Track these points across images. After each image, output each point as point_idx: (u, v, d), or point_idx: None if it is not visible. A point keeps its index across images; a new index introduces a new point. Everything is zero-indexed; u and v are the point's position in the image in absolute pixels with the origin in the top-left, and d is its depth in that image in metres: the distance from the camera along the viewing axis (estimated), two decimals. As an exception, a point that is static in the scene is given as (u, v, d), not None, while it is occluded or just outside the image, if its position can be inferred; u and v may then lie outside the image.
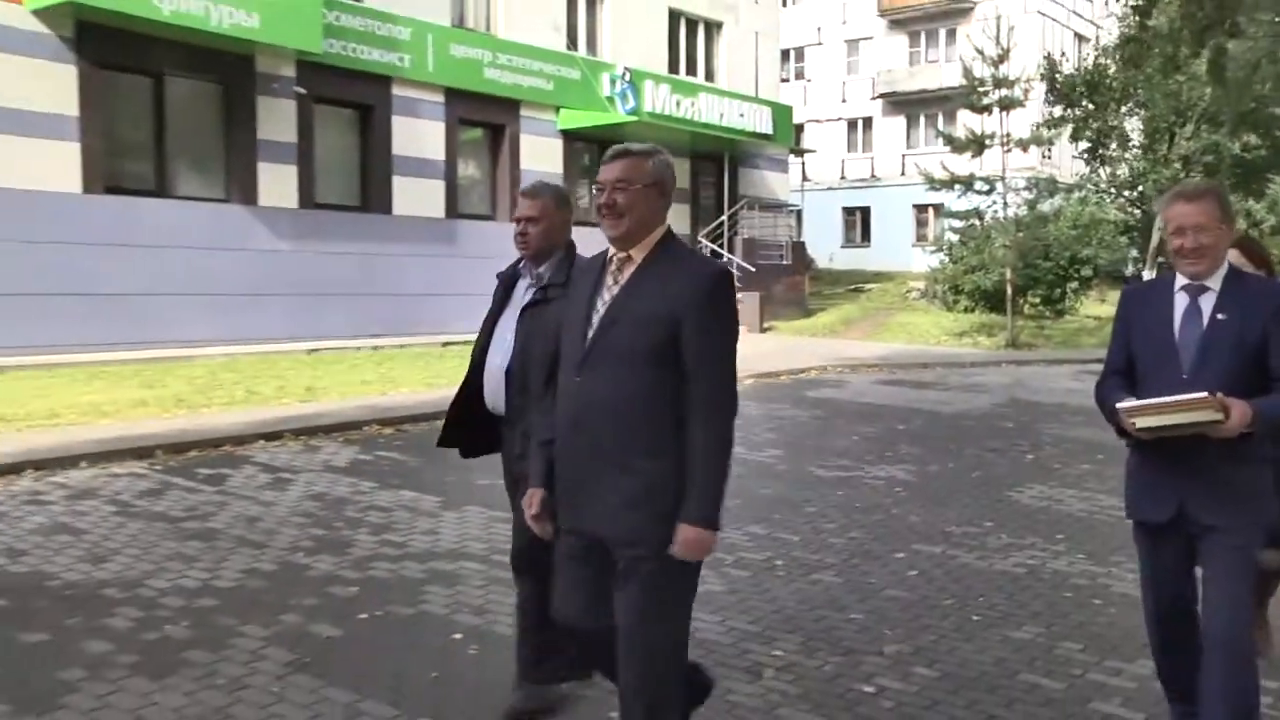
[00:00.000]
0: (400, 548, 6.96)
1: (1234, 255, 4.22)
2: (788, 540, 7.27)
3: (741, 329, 16.65)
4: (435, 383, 14.30)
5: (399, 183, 21.18)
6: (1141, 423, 3.64)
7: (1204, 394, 3.51)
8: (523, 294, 4.56)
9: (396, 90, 21.16)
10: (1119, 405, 3.70)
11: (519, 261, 4.76)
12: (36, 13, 15.98)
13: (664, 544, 3.33)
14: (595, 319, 3.51)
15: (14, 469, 8.88)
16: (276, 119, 19.22)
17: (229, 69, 18.48)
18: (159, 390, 12.97)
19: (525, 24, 23.57)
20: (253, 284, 18.36)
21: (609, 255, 3.58)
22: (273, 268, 18.64)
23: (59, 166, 16.30)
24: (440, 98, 21.94)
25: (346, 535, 7.23)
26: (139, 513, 7.76)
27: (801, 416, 13.11)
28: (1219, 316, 3.76)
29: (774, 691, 4.73)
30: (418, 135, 21.47)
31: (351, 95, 20.51)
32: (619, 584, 3.45)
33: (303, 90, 19.51)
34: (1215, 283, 3.78)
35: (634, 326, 3.40)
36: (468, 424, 4.79)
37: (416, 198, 21.49)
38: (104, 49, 16.78)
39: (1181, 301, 3.82)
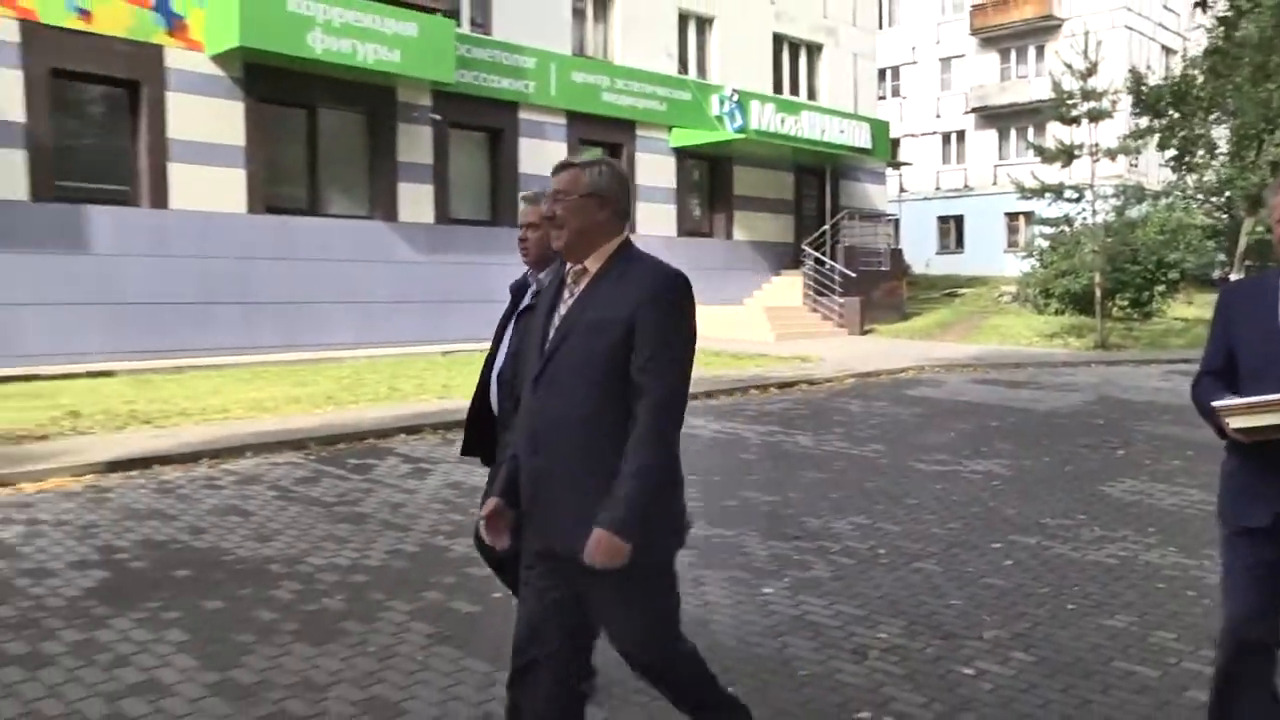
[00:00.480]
0: None
1: None
2: (890, 530, 7.21)
3: (842, 331, 16.61)
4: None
5: (524, 199, 21.54)
6: (1237, 423, 3.22)
7: None
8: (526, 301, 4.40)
9: (523, 114, 21.55)
10: (1215, 404, 3.28)
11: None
12: (214, 58, 16.73)
13: (633, 566, 3.03)
14: (551, 332, 3.26)
15: (193, 457, 9.31)
16: (415, 143, 19.72)
17: (373, 100, 19.01)
18: (311, 388, 13.38)
19: (640, 50, 23.81)
20: (393, 292, 18.86)
21: (568, 269, 3.33)
22: (411, 277, 19.11)
23: (229, 190, 16.97)
24: (562, 120, 22.28)
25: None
26: (297, 498, 8.06)
27: (901, 414, 12.97)
28: None
29: (879, 672, 4.68)
30: (542, 155, 21.82)
31: (482, 120, 20.93)
32: (588, 597, 3.21)
33: (438, 117, 19.98)
34: None
35: (585, 336, 3.13)
36: (483, 432, 4.70)
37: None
38: (266, 86, 17.41)
39: None
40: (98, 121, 16.36)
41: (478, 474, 8.92)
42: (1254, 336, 3.38)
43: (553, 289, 3.37)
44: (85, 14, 15.59)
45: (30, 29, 15.17)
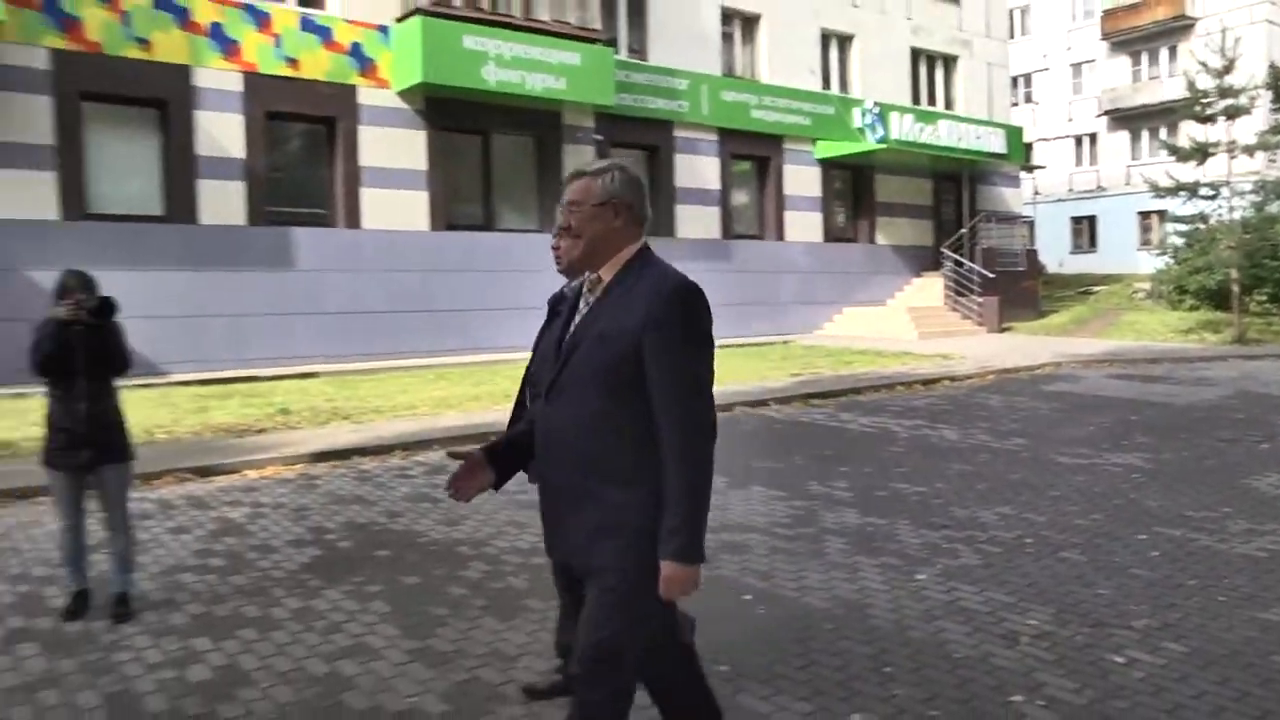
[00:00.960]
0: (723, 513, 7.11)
1: None
2: (1035, 520, 7.06)
3: (981, 329, 16.14)
4: (718, 380, 14.59)
5: (681, 210, 21.72)
6: None
7: None
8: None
9: (677, 133, 21.71)
10: None
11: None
12: (400, 93, 17.41)
13: (632, 573, 2.84)
14: (565, 343, 3.03)
15: (387, 449, 9.70)
16: (579, 162, 19.93)
17: (541, 124, 19.41)
18: (489, 387, 13.74)
19: (785, 69, 23.73)
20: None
21: (585, 278, 3.07)
22: (577, 285, 19.44)
23: (413, 210, 17.59)
24: (714, 137, 22.37)
25: None
26: (483, 487, 8.39)
27: (1041, 408, 12.66)
28: None
29: (1030, 657, 4.59)
30: (696, 169, 21.98)
31: (640, 139, 21.15)
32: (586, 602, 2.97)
33: (600, 137, 20.28)
34: None
35: (594, 348, 2.89)
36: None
37: (696, 222, 21.98)
38: (445, 116, 17.96)
39: None
40: (300, 154, 17.14)
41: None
42: None
43: (573, 299, 3.13)
44: (293, 62, 16.43)
45: (251, 79, 16.08)
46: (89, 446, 5.31)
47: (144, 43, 15.24)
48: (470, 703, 4.28)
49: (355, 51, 17.03)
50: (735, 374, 15.49)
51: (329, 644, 4.90)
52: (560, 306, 3.60)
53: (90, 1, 14.84)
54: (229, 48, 15.89)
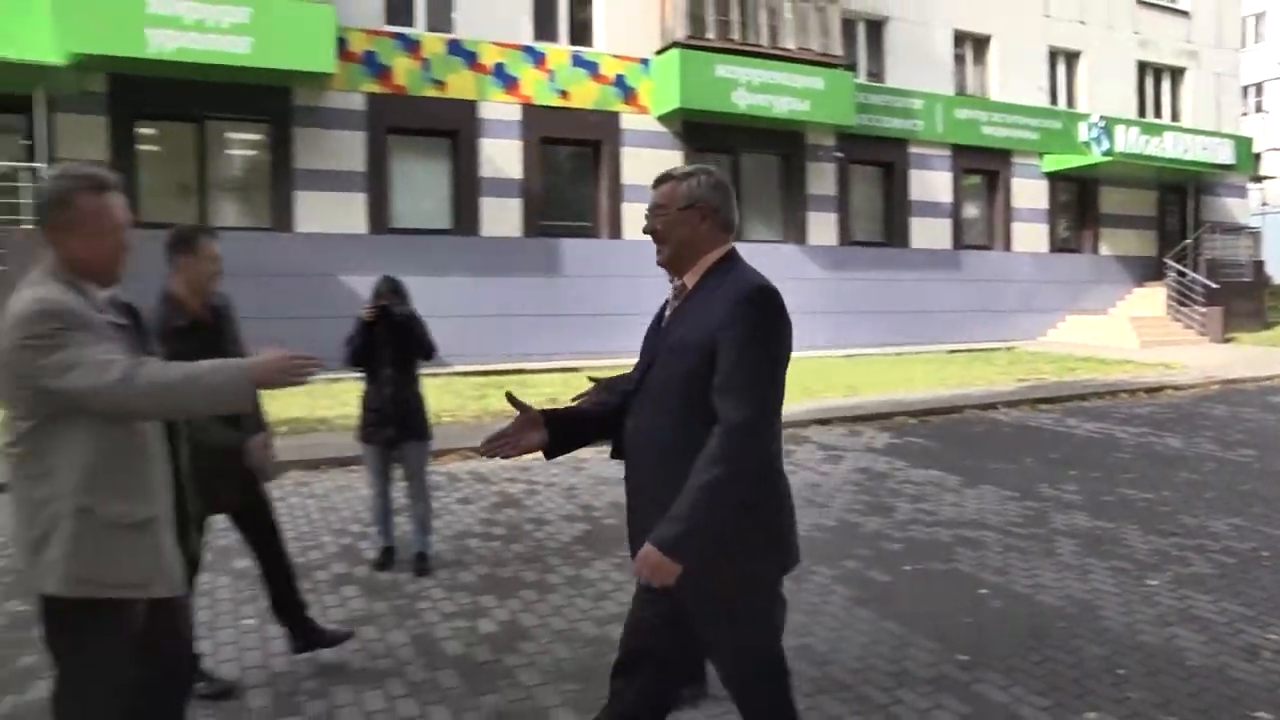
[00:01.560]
0: (932, 515, 6.87)
1: None
2: (1270, 533, 6.39)
3: (1204, 339, 14.79)
4: (946, 382, 14.21)
5: (915, 223, 21.12)
6: None
7: None
8: None
9: (912, 149, 21.11)
10: None
11: None
12: (659, 118, 17.67)
13: (711, 589, 2.57)
14: (646, 351, 2.80)
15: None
16: (820, 178, 19.82)
17: (785, 144, 19.29)
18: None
19: (1014, 86, 22.66)
20: (803, 304, 18.88)
21: (674, 284, 2.79)
22: (817, 292, 19.22)
23: (668, 223, 17.85)
24: (947, 153, 21.62)
25: (889, 502, 7.26)
26: (733, 476, 8.38)
27: (1269, 419, 11.58)
28: None
29: (1273, 673, 4.16)
30: (929, 184, 21.32)
31: (877, 156, 20.68)
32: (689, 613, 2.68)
33: (840, 155, 19.98)
34: None
35: (669, 359, 2.64)
36: None
37: (928, 234, 21.32)
38: (699, 138, 18.10)
39: None
40: (569, 174, 17.64)
41: (882, 460, 8.93)
42: None
43: (662, 309, 2.85)
44: (565, 94, 16.98)
45: (528, 110, 16.72)
46: (394, 425, 5.67)
47: (439, 83, 16.10)
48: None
49: (619, 82, 17.43)
50: (962, 378, 14.94)
51: (599, 609, 5.00)
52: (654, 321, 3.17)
53: (398, 53, 15.82)
54: (510, 84, 16.57)
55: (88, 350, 2.39)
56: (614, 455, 3.40)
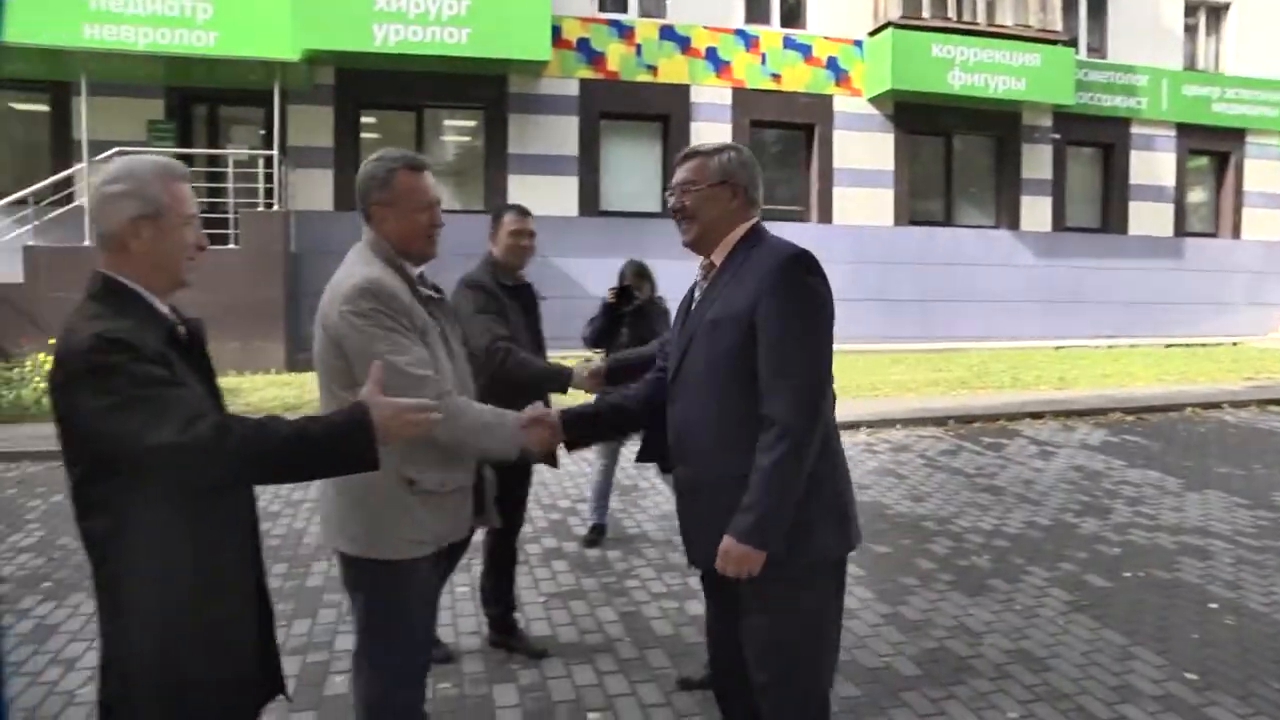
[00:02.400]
0: (1152, 520, 6.52)
1: None
2: None
3: None
4: (1164, 379, 13.35)
5: (1134, 207, 19.82)
6: None
7: None
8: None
9: (1134, 129, 19.78)
10: None
11: None
12: (871, 100, 17.25)
13: (778, 573, 2.45)
14: (680, 335, 2.71)
15: (853, 426, 9.63)
16: (1036, 160, 18.90)
17: (1000, 124, 18.48)
18: (945, 374, 13.36)
19: (1252, 59, 20.87)
20: (1013, 292, 18.26)
21: (701, 263, 2.73)
22: (1029, 280, 18.39)
23: (879, 207, 17.41)
24: (1172, 132, 20.16)
25: (1105, 503, 6.94)
26: (941, 466, 8.13)
27: None
28: None
29: None
30: (1151, 166, 19.96)
31: (1095, 136, 19.50)
32: (741, 608, 2.60)
33: (1057, 136, 18.97)
34: None
35: (708, 339, 2.54)
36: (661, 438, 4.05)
37: (1149, 219, 19.97)
38: (912, 120, 17.59)
39: None
40: (780, 157, 17.49)
41: (1099, 459, 8.48)
42: None
43: (689, 291, 2.80)
44: (777, 77, 16.82)
45: (739, 93, 16.67)
46: None
47: (652, 69, 16.25)
48: (940, 670, 4.16)
49: (831, 64, 17.12)
50: (1183, 374, 13.97)
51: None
52: (683, 303, 2.97)
53: (612, 39, 16.06)
54: (721, 68, 16.55)
55: (406, 348, 2.57)
56: (641, 458, 3.49)
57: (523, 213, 4.34)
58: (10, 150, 14.77)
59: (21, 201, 12.51)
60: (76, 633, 4.55)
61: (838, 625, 2.72)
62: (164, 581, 1.92)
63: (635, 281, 5.66)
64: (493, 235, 4.33)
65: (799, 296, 2.46)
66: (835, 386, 2.59)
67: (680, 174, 2.70)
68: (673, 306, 3.21)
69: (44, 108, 14.45)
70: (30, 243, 12.20)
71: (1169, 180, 20.17)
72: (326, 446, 1.94)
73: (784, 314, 2.44)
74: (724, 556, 2.44)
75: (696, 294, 2.72)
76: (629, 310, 5.55)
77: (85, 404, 1.83)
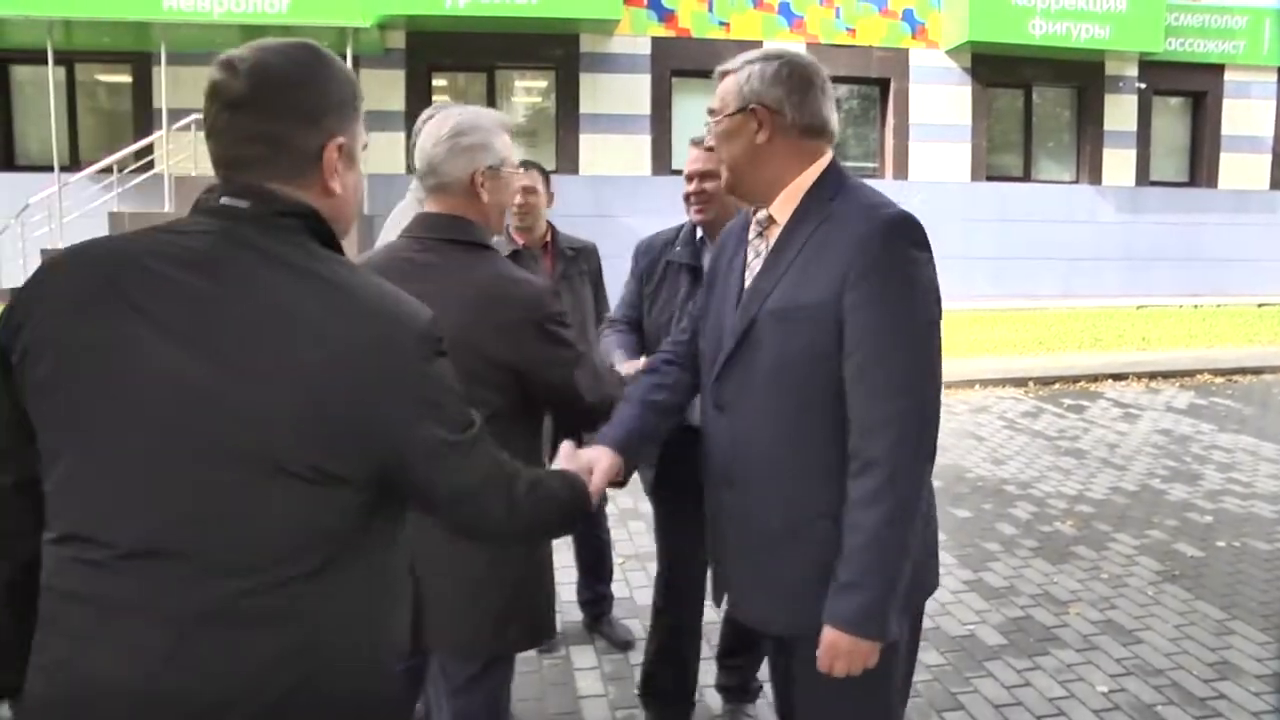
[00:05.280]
0: (1247, 487, 6.24)
1: None
2: None
3: None
4: (1256, 339, 12.85)
5: (1225, 159, 19.02)
6: None
7: None
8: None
9: (1229, 76, 18.86)
10: None
11: (688, 233, 3.11)
12: (948, 52, 16.75)
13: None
14: (728, 316, 1.98)
15: (930, 388, 9.54)
16: (1119, 112, 18.21)
17: (1082, 75, 17.82)
18: (1023, 333, 13.02)
19: (1367, -2, 19.88)
20: (1093, 250, 17.69)
21: (748, 215, 2.06)
22: (1110, 236, 17.80)
23: (956, 163, 16.99)
24: (1272, 78, 19.17)
25: (1195, 469, 6.69)
26: (1023, 429, 7.92)
27: None
28: None
29: None
30: (1247, 116, 19.07)
31: (1185, 85, 18.68)
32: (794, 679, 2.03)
33: (1142, 85, 18.25)
34: None
35: (775, 330, 1.85)
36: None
37: (1242, 172, 19.16)
38: (990, 72, 17.06)
39: None
40: (854, 113, 17.13)
41: (1186, 422, 8.19)
42: None
43: (729, 251, 2.08)
44: (851, 30, 16.43)
45: (813, 48, 16.21)
46: None
47: (724, 24, 16.00)
48: (1025, 640, 4.07)
49: (907, 16, 16.66)
50: (1277, 335, 13.43)
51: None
52: (719, 262, 2.15)
53: (683, -7, 15.86)
54: (794, 22, 16.22)
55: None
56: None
57: (524, 166, 3.94)
58: (96, 120, 15.10)
59: (107, 169, 12.77)
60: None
61: (911, 667, 2.15)
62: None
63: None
64: None
65: (906, 281, 1.80)
66: None
67: (710, 103, 2.00)
68: None
69: (126, 78, 14.75)
70: (115, 209, 12.46)
71: (1266, 130, 19.29)
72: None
73: (886, 309, 1.78)
74: (830, 651, 1.80)
75: (749, 257, 2.00)
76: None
77: (544, 353, 2.09)
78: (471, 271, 2.07)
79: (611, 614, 4.22)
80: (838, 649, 1.79)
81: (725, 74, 1.97)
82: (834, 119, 1.97)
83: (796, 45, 16.05)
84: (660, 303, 3.03)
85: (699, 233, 3.00)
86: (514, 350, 2.04)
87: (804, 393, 1.85)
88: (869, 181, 2.02)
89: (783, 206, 1.93)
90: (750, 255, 1.99)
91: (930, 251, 1.86)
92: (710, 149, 2.30)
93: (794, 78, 1.91)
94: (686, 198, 2.91)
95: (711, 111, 1.97)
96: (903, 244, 1.82)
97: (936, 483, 2.43)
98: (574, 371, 2.11)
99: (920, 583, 1.97)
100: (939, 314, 1.86)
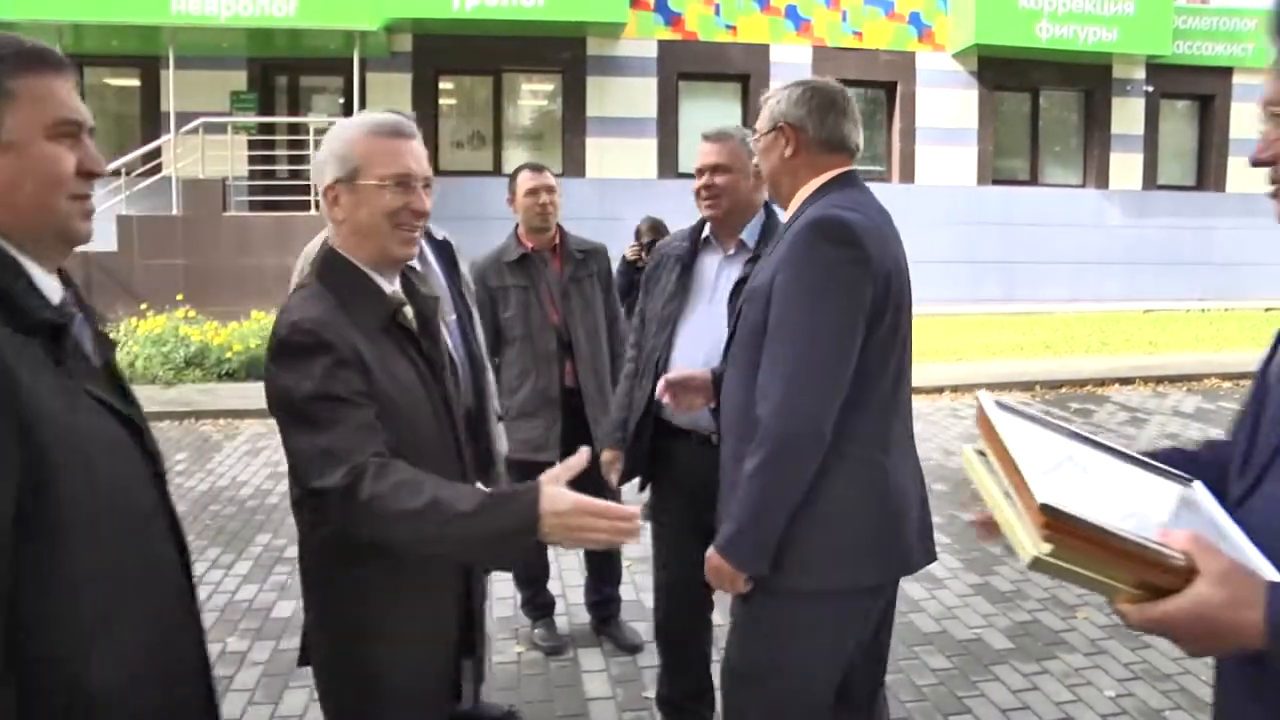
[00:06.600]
0: None
1: None
2: None
3: None
4: (1263, 344, 12.61)
5: (1233, 163, 19.01)
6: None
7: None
8: (715, 273, 2.96)
9: (1237, 79, 18.82)
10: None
11: (693, 229, 3.11)
12: (954, 55, 16.77)
13: (754, 611, 2.18)
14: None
15: (937, 390, 9.50)
16: (1126, 115, 18.18)
17: (1089, 78, 17.80)
18: (1030, 337, 13.02)
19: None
20: (1100, 254, 17.67)
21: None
22: (1117, 240, 17.77)
23: (962, 167, 16.99)
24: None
25: None
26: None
27: None
28: None
29: None
30: (1255, 119, 19.01)
31: (1193, 88, 18.64)
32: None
33: (1150, 89, 18.24)
34: None
35: (746, 308, 2.18)
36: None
37: (1249, 176, 18.76)
38: (997, 75, 17.06)
39: None
40: (862, 117, 17.11)
41: (1194, 427, 8.17)
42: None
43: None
44: (858, 34, 16.46)
45: (819, 51, 16.33)
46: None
47: (731, 27, 16.02)
48: (1032, 644, 4.07)
49: (914, 20, 16.68)
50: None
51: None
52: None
53: (691, -1, 15.94)
54: (801, 25, 16.24)
55: None
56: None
57: (535, 168, 4.09)
58: (104, 123, 15.15)
59: (115, 173, 12.81)
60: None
61: (855, 660, 2.29)
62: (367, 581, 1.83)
63: (652, 235, 5.50)
64: (510, 198, 4.08)
65: (811, 269, 2.00)
66: (914, 357, 2.25)
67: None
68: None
69: (134, 81, 14.82)
70: (123, 212, 12.50)
71: None
72: (476, 526, 1.62)
73: (789, 292, 2.02)
74: (707, 563, 2.15)
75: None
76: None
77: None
78: None
79: (620, 616, 4.22)
80: (711, 565, 2.13)
81: (765, 100, 2.27)
82: (855, 136, 2.26)
83: (803, 48, 16.11)
84: (656, 290, 3.15)
85: (705, 230, 3.05)
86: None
87: (754, 362, 2.09)
88: (877, 184, 2.16)
89: (791, 208, 2.22)
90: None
91: (858, 250, 2.01)
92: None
93: (814, 99, 2.21)
94: (697, 193, 2.94)
95: (753, 131, 2.32)
96: (820, 240, 2.02)
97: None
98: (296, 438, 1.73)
99: (834, 572, 2.11)
100: (849, 305, 2.00)
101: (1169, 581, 1.05)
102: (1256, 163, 1.32)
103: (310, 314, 1.73)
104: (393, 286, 1.90)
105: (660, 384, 2.57)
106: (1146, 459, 1.39)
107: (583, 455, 1.71)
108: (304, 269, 2.78)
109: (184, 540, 1.54)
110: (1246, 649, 1.04)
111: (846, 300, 2.00)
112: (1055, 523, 1.05)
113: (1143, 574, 1.07)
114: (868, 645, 2.33)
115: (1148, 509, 1.23)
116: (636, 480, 3.17)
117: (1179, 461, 1.43)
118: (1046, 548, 1.06)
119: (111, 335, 1.50)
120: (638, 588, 4.62)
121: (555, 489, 1.61)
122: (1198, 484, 1.35)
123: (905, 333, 2.16)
